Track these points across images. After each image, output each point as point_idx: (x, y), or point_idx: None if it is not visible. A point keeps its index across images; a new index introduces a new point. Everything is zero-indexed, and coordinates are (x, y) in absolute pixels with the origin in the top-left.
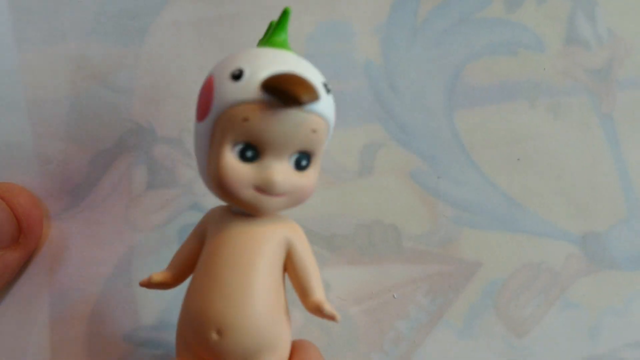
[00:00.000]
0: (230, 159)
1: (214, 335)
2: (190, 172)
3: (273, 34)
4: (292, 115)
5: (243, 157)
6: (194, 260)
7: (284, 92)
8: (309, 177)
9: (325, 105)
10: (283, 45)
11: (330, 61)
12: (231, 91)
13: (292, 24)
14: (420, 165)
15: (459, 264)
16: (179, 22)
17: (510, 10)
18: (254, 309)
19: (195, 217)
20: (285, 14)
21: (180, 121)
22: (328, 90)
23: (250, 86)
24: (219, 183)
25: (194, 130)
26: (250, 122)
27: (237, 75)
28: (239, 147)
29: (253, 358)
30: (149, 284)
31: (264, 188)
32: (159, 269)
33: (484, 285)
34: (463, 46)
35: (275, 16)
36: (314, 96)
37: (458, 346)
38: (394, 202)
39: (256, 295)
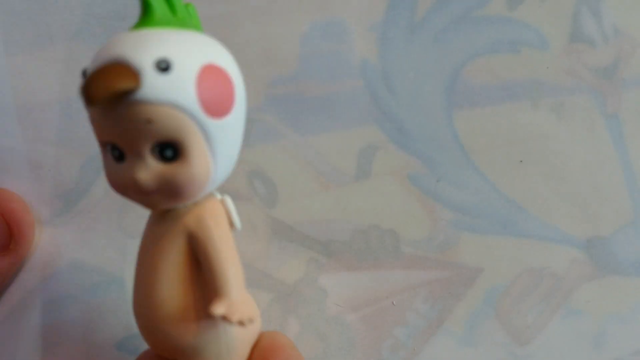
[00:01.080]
0: (108, 159)
1: (144, 330)
2: None
3: (141, 13)
4: (119, 111)
5: (115, 157)
6: None
7: (86, 94)
8: (186, 166)
9: (157, 87)
10: (146, 22)
11: (325, 61)
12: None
13: (285, 23)
14: (418, 168)
15: (459, 269)
16: None
17: (512, 7)
18: (158, 309)
19: None
20: None
21: None
22: (164, 68)
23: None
24: (109, 185)
25: None
26: (96, 121)
27: (83, 75)
28: (108, 148)
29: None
30: None
31: (133, 188)
32: None
33: (485, 291)
34: (463, 45)
35: (264, 17)
36: (122, 87)
37: (458, 354)
38: (392, 206)
39: (158, 296)
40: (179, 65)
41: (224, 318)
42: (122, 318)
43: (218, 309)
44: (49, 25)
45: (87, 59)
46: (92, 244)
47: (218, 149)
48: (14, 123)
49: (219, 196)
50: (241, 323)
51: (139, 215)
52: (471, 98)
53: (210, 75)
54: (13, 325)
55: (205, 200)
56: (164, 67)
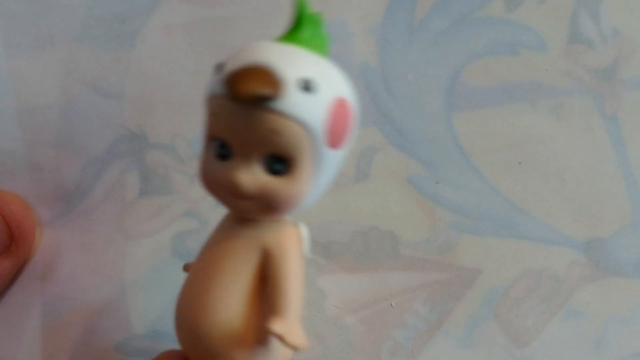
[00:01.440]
0: (210, 155)
1: (188, 336)
2: (184, 179)
3: (290, 28)
4: (250, 113)
5: (219, 154)
6: None
7: (231, 86)
8: (289, 184)
9: (296, 104)
10: (293, 38)
11: None
12: (210, 83)
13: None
14: (418, 170)
15: (459, 271)
16: (170, 26)
17: (511, 9)
18: (210, 313)
19: (190, 224)
20: (299, 5)
21: (172, 127)
22: (307, 89)
23: (221, 79)
24: (200, 180)
25: None
26: (217, 117)
27: (218, 68)
28: (215, 144)
29: None
30: None
31: (230, 189)
32: (153, 277)
33: (484, 293)
34: (462, 47)
35: (268, 19)
36: (266, 92)
37: (457, 356)
38: (392, 208)
39: (213, 301)
40: (320, 90)
41: (280, 337)
42: (122, 320)
43: (277, 326)
44: (50, 28)
45: (88, 62)
46: (93, 246)
47: (320, 177)
48: (15, 125)
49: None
50: (295, 347)
51: (139, 217)
52: (470, 100)
53: (341, 107)
54: (13, 327)
55: (286, 222)
56: (307, 87)
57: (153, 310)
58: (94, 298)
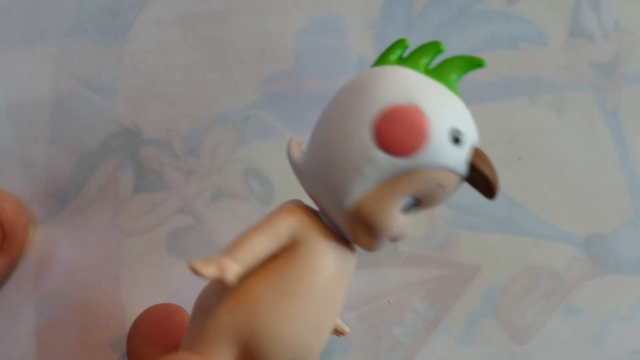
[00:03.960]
0: (397, 210)
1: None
2: (178, 175)
3: (445, 68)
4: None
5: (405, 209)
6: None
7: (490, 183)
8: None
9: None
10: (453, 87)
11: (322, 57)
12: (447, 156)
13: (282, 19)
14: None
15: (458, 268)
16: (163, 20)
17: (511, 2)
18: (324, 341)
19: (184, 221)
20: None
21: (166, 122)
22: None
23: (463, 158)
24: (376, 228)
25: (339, 141)
26: (443, 189)
27: (457, 140)
28: (408, 201)
29: None
30: (219, 280)
31: (398, 238)
32: (147, 274)
33: (484, 290)
34: (461, 41)
35: (261, 13)
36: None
37: (457, 353)
38: None
39: (330, 328)
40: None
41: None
42: (117, 317)
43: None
44: (40, 23)
45: (79, 56)
46: (86, 243)
47: None
48: (6, 121)
49: None
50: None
51: (133, 214)
52: (469, 94)
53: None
54: (7, 325)
55: None
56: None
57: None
58: (89, 296)
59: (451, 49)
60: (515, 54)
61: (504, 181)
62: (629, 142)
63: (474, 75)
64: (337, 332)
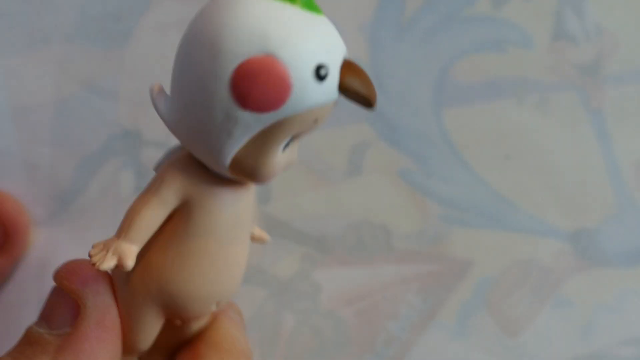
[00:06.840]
0: (277, 154)
1: (214, 307)
2: None
3: None
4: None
5: (282, 148)
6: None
7: (365, 99)
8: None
9: None
10: (309, 4)
11: None
12: (316, 95)
13: None
14: (409, 164)
15: (450, 262)
16: (164, 24)
17: (497, 7)
18: (240, 275)
19: None
20: None
21: None
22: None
23: (332, 87)
24: (259, 176)
25: (206, 107)
26: (318, 122)
27: (323, 75)
28: (287, 141)
29: None
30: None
31: (286, 169)
32: None
33: (476, 283)
34: (450, 44)
35: None
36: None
37: (450, 346)
38: (383, 201)
39: (244, 265)
40: None
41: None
42: None
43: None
44: (43, 27)
45: (82, 60)
46: (88, 244)
47: None
48: (9, 124)
49: None
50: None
51: None
52: (459, 96)
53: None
54: (9, 326)
55: None
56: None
57: None
58: None
59: (441, 52)
60: (502, 57)
61: (494, 178)
62: (612, 139)
63: (463, 78)
64: (257, 241)
